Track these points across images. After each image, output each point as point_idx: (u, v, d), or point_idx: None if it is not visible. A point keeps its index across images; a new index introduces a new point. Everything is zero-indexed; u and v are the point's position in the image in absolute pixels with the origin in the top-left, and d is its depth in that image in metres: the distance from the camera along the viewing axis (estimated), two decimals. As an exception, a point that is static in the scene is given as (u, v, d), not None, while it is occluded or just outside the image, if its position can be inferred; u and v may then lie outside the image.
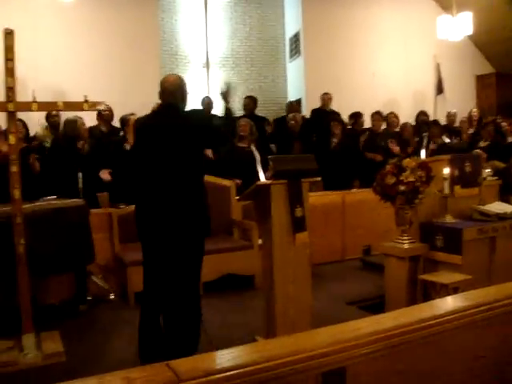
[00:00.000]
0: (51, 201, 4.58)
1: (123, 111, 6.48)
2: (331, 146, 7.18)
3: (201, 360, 1.60)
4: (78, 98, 3.78)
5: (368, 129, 7.95)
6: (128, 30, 8.13)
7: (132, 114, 6.16)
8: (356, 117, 8.13)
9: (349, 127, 8.02)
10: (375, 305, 4.52)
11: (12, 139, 3.64)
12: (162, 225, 3.34)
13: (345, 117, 8.23)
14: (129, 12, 8.16)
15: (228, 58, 9.85)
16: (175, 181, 3.34)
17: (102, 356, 3.75)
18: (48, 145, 5.96)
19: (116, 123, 6.87)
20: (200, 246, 3.47)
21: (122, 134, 6.34)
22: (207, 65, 9.58)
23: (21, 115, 5.07)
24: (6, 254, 3.68)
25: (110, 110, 6.73)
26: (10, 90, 3.59)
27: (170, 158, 3.33)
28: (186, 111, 3.56)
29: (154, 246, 3.42)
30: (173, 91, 3.43)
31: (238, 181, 5.90)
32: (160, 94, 3.48)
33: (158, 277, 3.44)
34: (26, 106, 3.70)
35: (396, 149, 7.11)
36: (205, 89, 9.37)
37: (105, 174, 5.71)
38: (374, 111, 7.93)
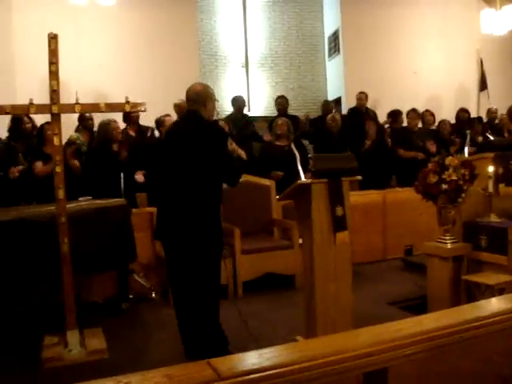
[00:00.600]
0: (88, 201, 4.68)
1: (163, 112, 6.56)
2: (364, 147, 7.09)
3: (241, 358, 1.60)
4: (119, 99, 3.85)
5: (403, 127, 7.80)
6: (167, 32, 8.23)
7: (167, 116, 6.24)
8: (395, 115, 7.99)
9: (387, 126, 7.90)
10: (417, 305, 4.44)
11: (56, 141, 3.73)
12: (172, 230, 3.52)
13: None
14: (168, 14, 8.27)
15: (267, 57, 9.86)
16: (185, 187, 3.46)
17: (144, 353, 3.81)
18: (85, 148, 6.09)
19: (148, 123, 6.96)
20: (208, 253, 3.51)
21: (157, 135, 6.42)
22: (246, 65, 9.61)
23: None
24: (51, 253, 3.76)
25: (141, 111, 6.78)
26: (54, 92, 3.68)
27: (183, 163, 3.46)
28: (209, 121, 3.63)
29: (167, 249, 3.63)
30: (194, 99, 3.58)
31: (280, 172, 5.92)
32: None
33: (174, 277, 3.62)
34: (70, 108, 3.79)
35: (433, 148, 6.97)
36: (244, 89, 9.39)
37: (139, 175, 5.82)
38: (417, 109, 7.81)
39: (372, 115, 7.91)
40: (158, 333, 4.20)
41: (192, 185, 3.44)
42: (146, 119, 6.66)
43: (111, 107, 3.93)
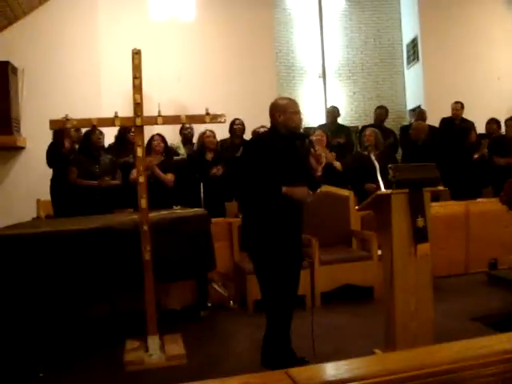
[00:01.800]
0: (178, 210, 4.82)
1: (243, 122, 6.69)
2: (474, 158, 7.01)
3: (319, 369, 1.59)
4: (200, 111, 3.95)
5: (501, 135, 7.53)
6: (245, 44, 8.37)
7: (262, 127, 6.34)
8: (494, 124, 7.71)
9: (485, 133, 7.67)
10: (503, 322, 4.25)
11: (140, 152, 3.87)
12: (253, 240, 3.62)
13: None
14: (245, 26, 8.41)
15: (344, 67, 9.81)
16: (256, 197, 3.51)
17: (222, 361, 3.85)
18: (184, 156, 6.34)
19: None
20: (259, 262, 3.55)
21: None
22: (323, 75, 9.60)
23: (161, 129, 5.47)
24: (133, 261, 3.89)
25: (242, 124, 6.93)
26: (138, 105, 3.83)
27: (256, 173, 3.48)
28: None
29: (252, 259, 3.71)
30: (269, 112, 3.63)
31: (373, 185, 5.88)
32: None
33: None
34: (153, 121, 3.93)
35: None
36: (322, 99, 9.38)
37: (216, 169, 6.05)
38: (501, 117, 7.51)
39: (470, 126, 7.66)
40: (235, 341, 4.24)
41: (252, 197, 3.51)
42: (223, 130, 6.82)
43: (192, 119, 4.04)
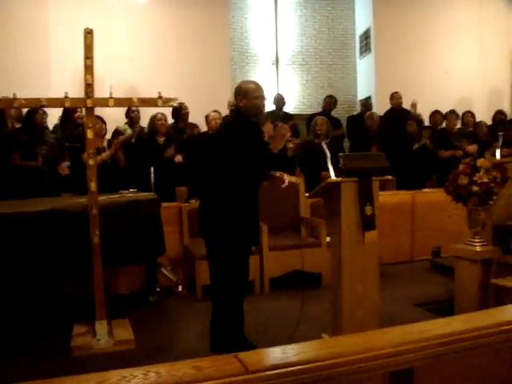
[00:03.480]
0: (129, 194, 4.76)
1: (193, 108, 6.63)
2: (414, 148, 7.17)
3: (269, 353, 1.63)
4: (151, 94, 3.90)
5: (442, 128, 7.76)
6: (199, 28, 8.28)
7: (214, 111, 6.32)
8: (438, 116, 7.92)
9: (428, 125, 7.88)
10: (444, 308, 4.41)
11: (90, 134, 3.80)
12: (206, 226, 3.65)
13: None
14: (200, 10, 8.31)
15: (297, 55, 9.85)
16: (212, 183, 3.57)
17: (170, 345, 3.85)
18: (133, 140, 6.24)
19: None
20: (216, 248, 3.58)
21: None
22: (277, 62, 9.61)
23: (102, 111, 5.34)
24: (82, 244, 3.83)
25: (186, 108, 6.89)
26: (89, 86, 3.75)
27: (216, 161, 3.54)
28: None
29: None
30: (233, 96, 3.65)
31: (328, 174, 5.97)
32: None
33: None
34: (104, 102, 3.85)
35: (472, 148, 6.95)
36: (274, 86, 9.40)
37: (178, 157, 6.07)
38: (448, 110, 7.74)
39: (414, 116, 7.84)
40: (184, 326, 4.25)
41: (214, 182, 3.51)
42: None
43: (144, 102, 3.98)
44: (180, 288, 5.17)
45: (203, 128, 6.93)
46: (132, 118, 6.65)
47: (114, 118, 6.53)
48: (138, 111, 6.63)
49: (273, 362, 1.51)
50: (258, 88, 3.57)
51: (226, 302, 3.55)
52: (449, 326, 1.83)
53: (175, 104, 3.93)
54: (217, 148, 3.49)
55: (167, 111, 6.27)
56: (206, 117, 6.55)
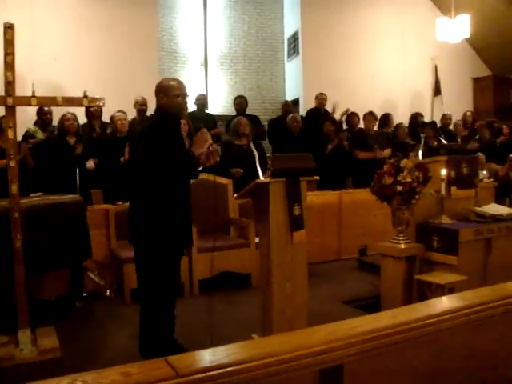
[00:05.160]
0: (39, 197, 4.57)
1: (122, 108, 6.49)
2: (327, 149, 7.21)
3: (199, 356, 1.61)
4: (76, 94, 3.79)
5: (360, 129, 7.95)
6: (127, 27, 8.12)
7: (119, 112, 6.19)
8: (355, 117, 8.11)
9: (345, 127, 8.04)
10: (371, 304, 4.52)
11: (11, 134, 3.64)
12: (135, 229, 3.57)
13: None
14: (128, 9, 8.15)
15: (226, 56, 9.86)
16: (140, 186, 3.49)
17: (98, 352, 3.76)
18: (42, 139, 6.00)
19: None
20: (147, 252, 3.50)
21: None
22: (205, 63, 9.58)
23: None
24: (2, 250, 3.67)
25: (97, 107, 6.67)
26: (9, 84, 3.59)
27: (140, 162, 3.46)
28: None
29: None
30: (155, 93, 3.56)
31: (240, 170, 5.94)
32: None
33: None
34: (26, 101, 3.70)
35: (385, 153, 7.13)
36: (202, 87, 9.37)
37: (90, 163, 5.85)
38: (367, 111, 7.97)
39: (332, 117, 8.00)
40: (112, 331, 4.16)
41: (143, 184, 3.43)
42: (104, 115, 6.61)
43: (68, 101, 3.85)
44: (108, 292, 5.05)
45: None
46: (44, 121, 6.39)
47: (24, 119, 6.25)
48: (51, 113, 6.39)
49: (204, 365, 1.50)
50: (180, 86, 3.52)
51: (156, 305, 3.49)
52: (376, 321, 1.88)
53: (101, 104, 3.83)
54: (142, 148, 3.41)
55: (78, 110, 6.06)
56: (112, 117, 6.40)
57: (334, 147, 7.25)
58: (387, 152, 7.16)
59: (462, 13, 8.90)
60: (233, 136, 6.42)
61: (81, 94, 3.74)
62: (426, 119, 9.10)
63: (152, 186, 3.37)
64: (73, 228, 4.29)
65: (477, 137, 8.24)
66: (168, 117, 3.46)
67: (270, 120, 8.50)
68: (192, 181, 3.69)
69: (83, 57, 7.79)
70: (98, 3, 7.97)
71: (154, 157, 3.31)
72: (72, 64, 7.64)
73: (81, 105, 3.80)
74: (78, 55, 7.78)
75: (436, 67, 10.38)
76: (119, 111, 6.24)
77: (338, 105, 8.20)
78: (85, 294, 4.86)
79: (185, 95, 3.55)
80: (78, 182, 5.77)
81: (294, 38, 9.90)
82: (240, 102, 8.01)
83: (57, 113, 6.18)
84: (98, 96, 3.81)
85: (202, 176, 5.20)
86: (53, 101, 3.84)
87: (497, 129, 8.19)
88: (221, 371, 1.47)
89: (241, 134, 6.29)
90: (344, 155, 7.31)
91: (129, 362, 1.57)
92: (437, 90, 10.39)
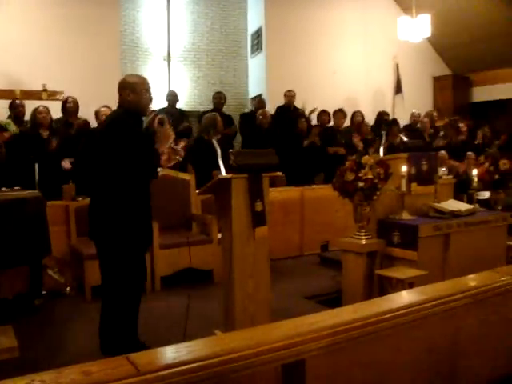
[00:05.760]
0: (4, 192, 4.47)
1: (82, 103, 6.36)
2: (304, 144, 7.41)
3: (160, 353, 1.60)
4: (37, 88, 3.71)
5: (331, 126, 8.11)
6: (87, 20, 7.94)
7: (104, 107, 6.09)
8: (325, 115, 8.22)
9: (317, 124, 8.15)
10: (333, 299, 4.57)
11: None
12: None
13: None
14: (89, 1, 7.99)
15: (189, 51, 9.77)
16: (102, 183, 3.46)
17: (59, 351, 3.69)
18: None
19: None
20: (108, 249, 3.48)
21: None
22: (168, 58, 9.49)
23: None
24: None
25: (75, 102, 6.55)
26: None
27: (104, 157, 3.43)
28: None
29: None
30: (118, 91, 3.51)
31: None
32: None
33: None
34: (-18, 94, 3.61)
35: (360, 144, 7.32)
36: (166, 82, 9.28)
37: (66, 163, 5.73)
38: (335, 109, 8.10)
39: (302, 114, 8.10)
40: (73, 329, 4.09)
41: (106, 181, 3.39)
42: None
43: (27, 94, 3.78)
44: (68, 290, 4.96)
45: (93, 123, 6.67)
46: (16, 114, 6.26)
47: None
48: (23, 106, 6.25)
49: (165, 362, 1.49)
50: (145, 81, 3.53)
51: (119, 302, 3.45)
52: (338, 316, 1.90)
53: (61, 97, 3.76)
54: (105, 144, 3.37)
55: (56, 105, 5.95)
56: (96, 112, 6.32)
57: (310, 143, 7.39)
58: (359, 142, 7.41)
59: (423, 12, 9.04)
60: (209, 131, 6.27)
61: (41, 88, 3.67)
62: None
63: (112, 182, 3.34)
64: (32, 224, 4.20)
65: (441, 134, 8.44)
66: (133, 114, 3.43)
67: (242, 114, 8.61)
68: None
69: (42, 50, 7.56)
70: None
71: (115, 154, 3.28)
72: (31, 57, 7.40)
73: (40, 98, 3.74)
74: (37, 48, 7.56)
75: (397, 66, 10.52)
76: (104, 106, 6.12)
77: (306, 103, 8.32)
78: (44, 292, 4.76)
79: (150, 90, 3.54)
80: (36, 177, 5.65)
81: (258, 34, 9.89)
82: (219, 98, 8.13)
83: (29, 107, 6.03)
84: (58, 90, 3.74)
85: (164, 171, 5.16)
86: (11, 94, 3.77)
87: (458, 127, 8.39)
88: (183, 368, 1.47)
89: (217, 131, 6.24)
90: (316, 151, 7.43)
91: (89, 360, 1.55)
92: (398, 89, 10.54)
